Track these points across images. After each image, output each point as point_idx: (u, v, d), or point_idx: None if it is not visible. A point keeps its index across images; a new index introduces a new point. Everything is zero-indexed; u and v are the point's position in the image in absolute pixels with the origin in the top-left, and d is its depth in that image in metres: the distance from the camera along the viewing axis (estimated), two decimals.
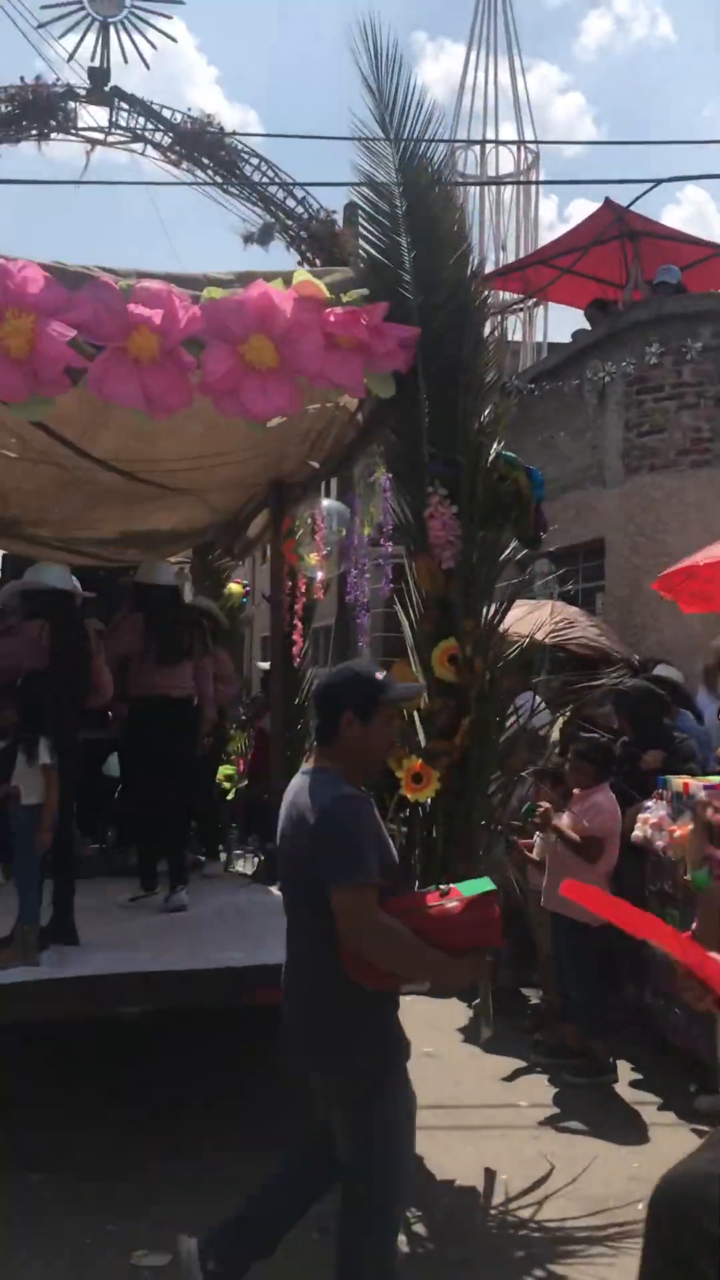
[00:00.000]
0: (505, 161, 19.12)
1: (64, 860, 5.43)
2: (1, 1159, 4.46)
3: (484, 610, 4.71)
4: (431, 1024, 6.30)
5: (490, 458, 4.72)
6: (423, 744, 4.61)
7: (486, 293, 4.90)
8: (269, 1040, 5.80)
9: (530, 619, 7.39)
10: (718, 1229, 0.78)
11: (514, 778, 4.98)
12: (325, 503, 7.11)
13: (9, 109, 10.12)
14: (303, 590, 7.34)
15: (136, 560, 9.15)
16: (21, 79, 10.02)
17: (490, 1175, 4.60)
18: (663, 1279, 0.89)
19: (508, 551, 4.88)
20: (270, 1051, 5.73)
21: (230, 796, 8.68)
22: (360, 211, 5.07)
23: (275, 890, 6.52)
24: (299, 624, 7.38)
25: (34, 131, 10.28)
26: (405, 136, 4.85)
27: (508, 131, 19.20)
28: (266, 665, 9.37)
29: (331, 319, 4.50)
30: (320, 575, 7.01)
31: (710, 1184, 0.85)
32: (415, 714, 4.68)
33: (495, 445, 4.77)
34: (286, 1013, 3.18)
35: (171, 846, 6.48)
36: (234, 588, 10.43)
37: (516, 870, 5.63)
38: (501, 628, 4.86)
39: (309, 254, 9.97)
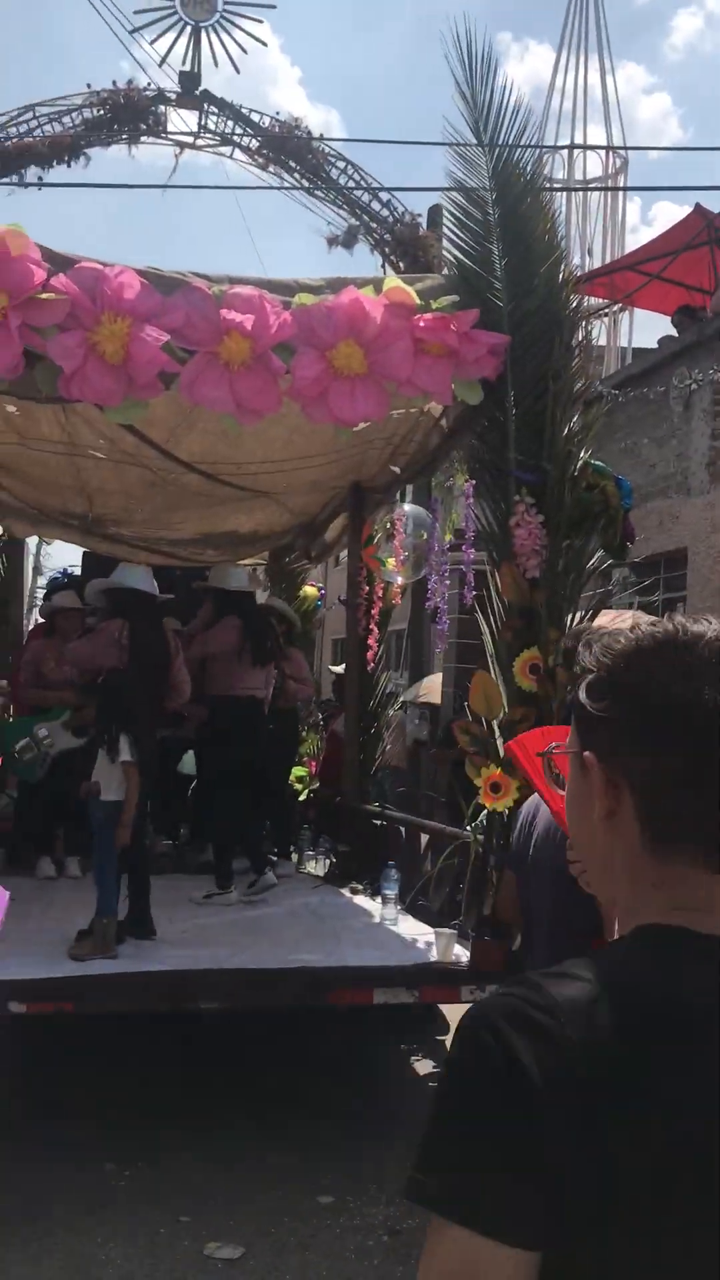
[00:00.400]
0: (593, 164, 19.02)
1: (140, 855, 5.50)
2: (81, 1149, 4.53)
3: (568, 620, 4.68)
4: None
5: (578, 466, 4.70)
6: (502, 753, 4.60)
7: (578, 300, 4.85)
8: (341, 1041, 5.87)
9: (613, 629, 7.31)
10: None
11: None
12: (405, 507, 7.12)
13: (101, 113, 10.35)
14: (379, 594, 7.36)
15: (215, 561, 9.25)
16: (114, 83, 10.25)
17: None
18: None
19: (593, 561, 4.85)
20: (342, 1053, 5.78)
21: (302, 798, 8.72)
22: (450, 218, 5.07)
23: (346, 892, 6.56)
24: (374, 628, 7.39)
25: (125, 135, 10.50)
26: (499, 143, 4.85)
27: (595, 132, 19.11)
28: (338, 669, 9.40)
29: (421, 325, 4.52)
30: (399, 580, 7.01)
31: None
32: (495, 723, 4.67)
33: (584, 453, 4.74)
34: None
35: (251, 840, 6.58)
36: (309, 590, 10.48)
37: None
38: None
39: (393, 256, 10.04)
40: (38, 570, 26.21)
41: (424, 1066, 5.79)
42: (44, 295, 4.15)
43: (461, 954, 4.99)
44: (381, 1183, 4.38)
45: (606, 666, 1.04)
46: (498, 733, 4.68)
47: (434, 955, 4.96)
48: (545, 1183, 0.86)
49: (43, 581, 20.53)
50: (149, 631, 5.77)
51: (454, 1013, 6.52)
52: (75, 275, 4.24)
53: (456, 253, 4.90)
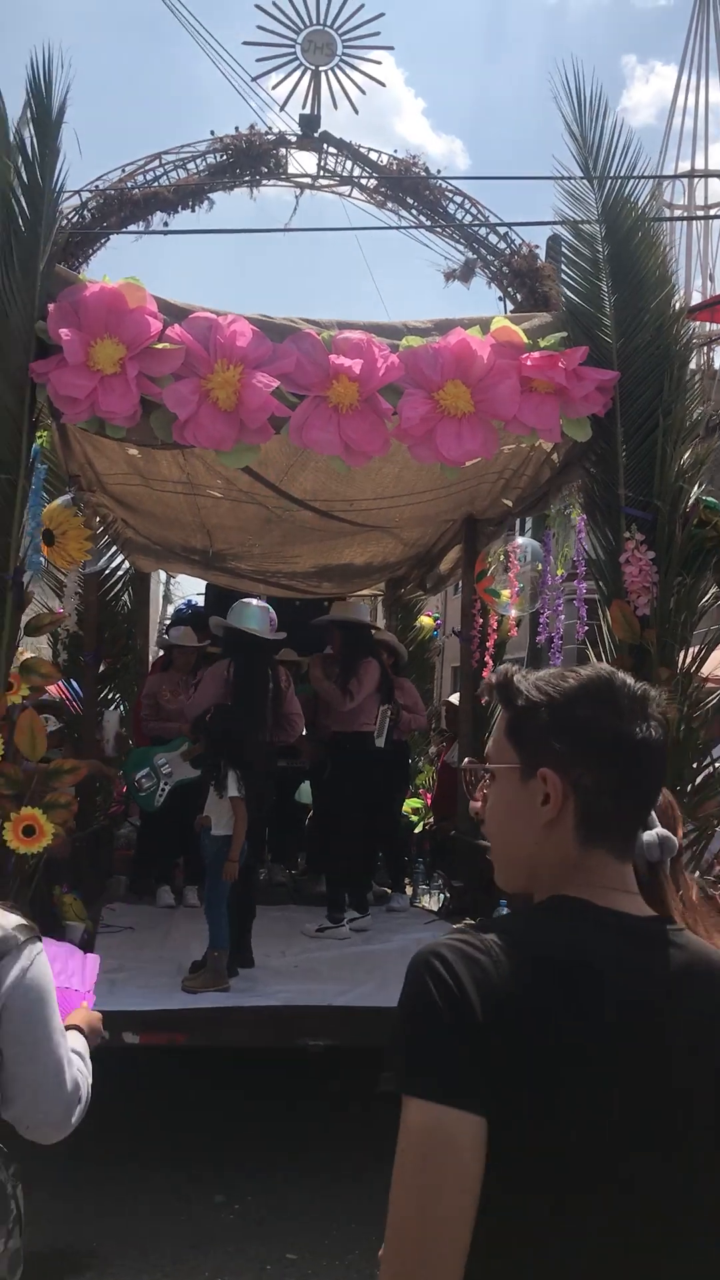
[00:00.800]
0: (715, 188, 18.69)
1: (247, 887, 5.59)
2: (192, 1180, 4.61)
3: (680, 657, 4.60)
4: None
5: (690, 502, 4.62)
6: None
7: (690, 333, 4.78)
8: None
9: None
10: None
11: (707, 829, 4.82)
12: (520, 540, 7.09)
13: (224, 158, 10.64)
14: (494, 626, 7.33)
15: (331, 593, 9.34)
16: (236, 128, 10.53)
17: None
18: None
19: (706, 598, 4.75)
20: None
21: (418, 830, 8.71)
22: (561, 255, 5.06)
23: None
24: (489, 660, 7.36)
25: (247, 178, 10.78)
26: (608, 176, 4.83)
27: (717, 151, 18.76)
28: (453, 698, 9.35)
29: (529, 363, 4.52)
30: (514, 612, 6.97)
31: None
32: None
33: (696, 489, 4.66)
34: None
35: (360, 877, 6.61)
36: (425, 620, 10.50)
37: None
38: (700, 675, 4.74)
39: (510, 289, 10.03)
40: (167, 599, 26.93)
41: None
42: (160, 345, 4.30)
43: None
44: None
45: (560, 703, 1.34)
46: None
47: None
48: (483, 1067, 1.16)
49: (172, 610, 21.11)
50: (256, 669, 5.86)
51: None
52: (190, 325, 4.38)
53: (565, 290, 4.89)
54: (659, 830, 1.44)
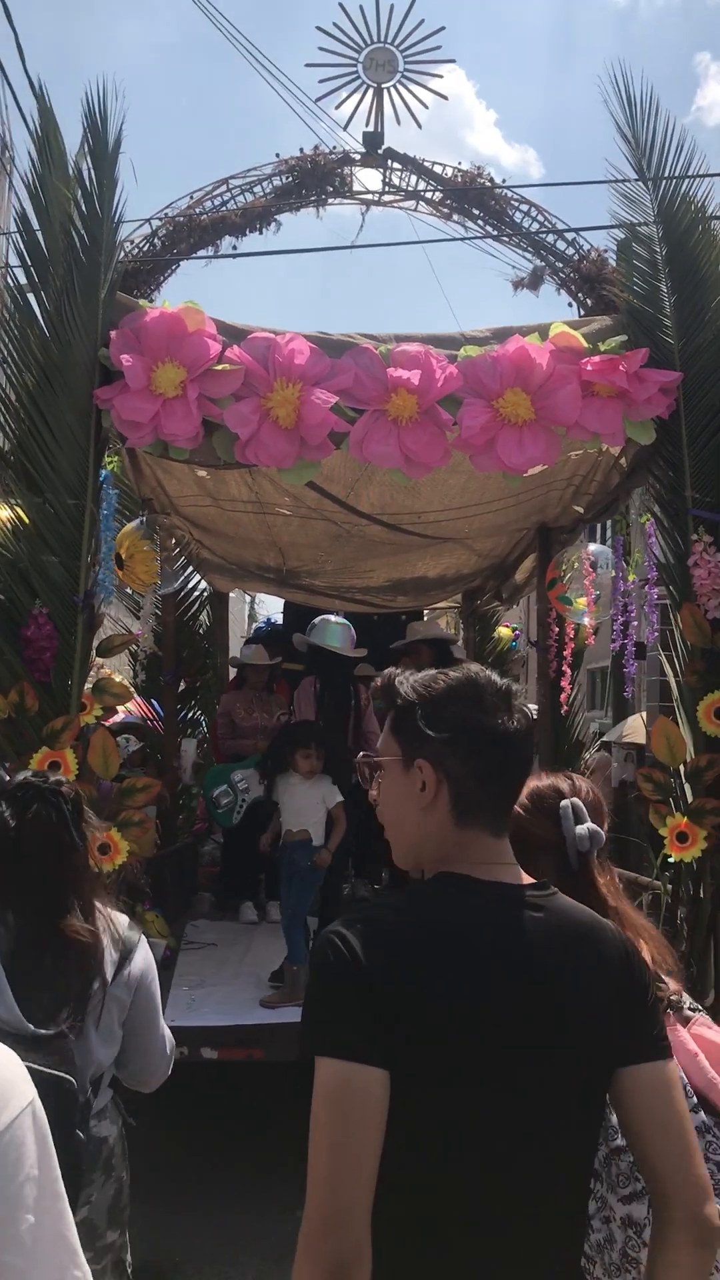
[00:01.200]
0: None
1: (329, 900, 5.59)
2: (274, 1193, 4.62)
3: None
4: None
5: None
6: (689, 800, 4.45)
7: None
8: None
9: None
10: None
11: None
12: (593, 546, 7.01)
13: (290, 179, 10.76)
14: (571, 634, 7.25)
15: (407, 606, 9.35)
16: (301, 150, 10.64)
17: None
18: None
19: None
20: None
21: None
22: (619, 257, 5.01)
23: None
24: (567, 669, 7.28)
25: (313, 198, 10.89)
26: (662, 176, 4.77)
27: None
28: (532, 708, 9.27)
29: (589, 368, 4.48)
30: (588, 620, 6.89)
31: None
32: (681, 769, 4.52)
33: None
34: None
35: None
36: (503, 631, 10.44)
37: None
38: None
39: (580, 294, 9.96)
40: (252, 617, 27.18)
41: None
42: (220, 367, 4.37)
43: None
44: None
45: (432, 701, 1.55)
46: (684, 779, 4.53)
47: None
48: (384, 1025, 1.37)
49: (253, 628, 21.32)
50: (338, 685, 5.90)
51: None
52: (248, 345, 4.44)
53: (623, 292, 4.83)
54: (589, 825, 1.66)
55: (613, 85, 4.69)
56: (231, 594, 10.18)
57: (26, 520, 4.48)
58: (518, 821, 1.72)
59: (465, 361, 4.50)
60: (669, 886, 4.68)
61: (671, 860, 4.40)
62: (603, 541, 7.61)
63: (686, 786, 4.48)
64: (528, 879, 1.55)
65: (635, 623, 6.33)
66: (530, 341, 4.48)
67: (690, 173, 4.67)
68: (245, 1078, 5.28)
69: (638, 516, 5.89)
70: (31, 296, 4.51)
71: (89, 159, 4.50)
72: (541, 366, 4.46)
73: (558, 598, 6.61)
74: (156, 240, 10.08)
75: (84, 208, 4.47)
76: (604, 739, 10.25)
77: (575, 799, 1.97)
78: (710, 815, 4.35)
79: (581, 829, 1.66)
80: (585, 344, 4.55)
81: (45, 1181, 1.17)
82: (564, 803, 1.95)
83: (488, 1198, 1.43)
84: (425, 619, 9.50)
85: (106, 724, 4.69)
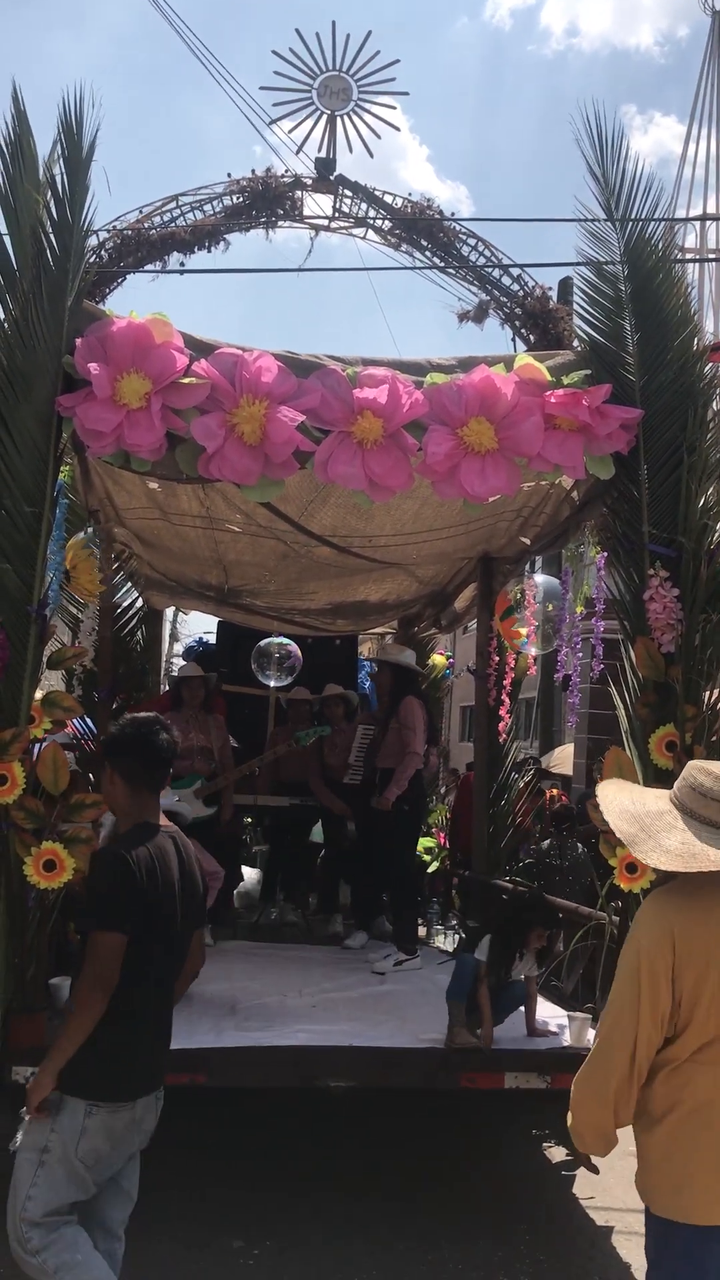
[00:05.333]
0: None
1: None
2: (207, 1224, 4.52)
3: (706, 696, 4.57)
4: None
5: (715, 539, 4.61)
6: None
7: (714, 371, 4.80)
8: (471, 1124, 5.74)
9: None
10: None
11: None
12: (537, 578, 7.09)
13: (241, 200, 10.78)
14: (511, 664, 7.30)
15: (345, 631, 9.35)
16: (253, 171, 10.68)
17: None
18: None
19: None
20: (472, 1137, 5.65)
21: (431, 869, 8.63)
22: (581, 294, 5.08)
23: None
24: (506, 699, 7.33)
25: (263, 220, 10.91)
26: (630, 218, 4.86)
27: None
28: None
29: (553, 401, 4.53)
30: (532, 650, 6.96)
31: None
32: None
33: None
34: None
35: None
36: (438, 659, 10.48)
37: None
38: None
39: (524, 330, 10.12)
40: (174, 637, 26.92)
41: (557, 1154, 5.61)
42: (186, 380, 4.32)
43: (595, 1038, 4.84)
44: (513, 1275, 4.24)
45: (121, 731, 3.29)
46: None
47: (567, 1039, 4.83)
48: (132, 908, 3.02)
49: (179, 649, 21.10)
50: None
51: None
52: (216, 360, 4.40)
53: (588, 328, 4.91)
54: None
55: (584, 123, 4.77)
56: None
57: None
58: None
59: (431, 388, 4.53)
60: (615, 919, 4.72)
61: (623, 890, 4.43)
62: (537, 574, 7.69)
63: None
64: (167, 823, 3.31)
65: (579, 655, 6.41)
66: (496, 372, 4.52)
67: (656, 216, 4.77)
68: (183, 1104, 5.16)
69: (582, 551, 5.98)
70: None
71: (62, 164, 4.43)
72: (506, 397, 4.51)
73: (512, 627, 6.66)
74: (104, 253, 10.01)
75: (55, 214, 4.40)
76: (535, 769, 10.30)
77: None
78: None
79: None
80: (549, 377, 4.61)
81: None
82: None
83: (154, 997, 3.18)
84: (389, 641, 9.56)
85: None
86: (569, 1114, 2.64)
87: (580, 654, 6.28)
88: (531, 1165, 5.56)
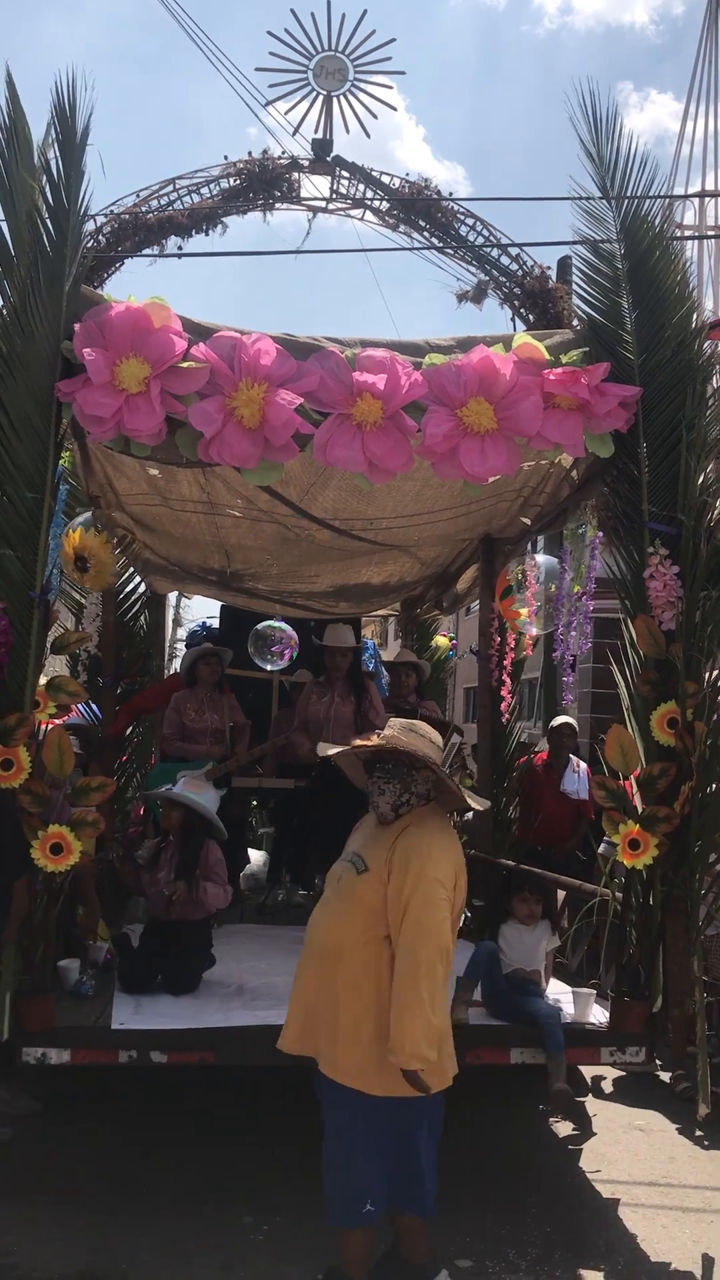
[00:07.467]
0: None
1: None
2: (222, 1201, 4.57)
3: (707, 673, 4.59)
4: (642, 1097, 6.10)
5: (714, 516, 4.62)
6: (640, 809, 4.52)
7: (712, 348, 4.80)
8: (476, 1099, 5.79)
9: None
10: None
11: None
12: (538, 558, 7.09)
13: (238, 182, 10.74)
14: (512, 644, 7.32)
15: (347, 613, 9.36)
16: (249, 153, 10.65)
17: (710, 1263, 4.40)
18: None
19: None
20: (477, 1112, 5.69)
21: None
22: (579, 273, 5.08)
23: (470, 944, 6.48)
24: (508, 679, 7.35)
25: (260, 202, 10.87)
26: (625, 196, 4.85)
27: None
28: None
29: (552, 379, 4.53)
30: (533, 630, 6.97)
31: None
32: (634, 779, 4.59)
33: None
34: None
35: None
36: (440, 640, 10.50)
37: None
38: None
39: (522, 309, 10.09)
40: (177, 622, 26.97)
41: (563, 1128, 5.67)
42: (185, 364, 4.33)
43: (600, 1014, 4.88)
44: (521, 1247, 4.29)
45: None
46: (637, 788, 4.60)
47: (572, 1015, 4.87)
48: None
49: (182, 634, 21.15)
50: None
51: (593, 1074, 6.37)
52: (214, 344, 4.41)
53: (586, 307, 4.91)
54: None
55: (579, 102, 4.76)
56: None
57: None
58: None
59: (430, 369, 4.53)
60: (618, 895, 4.75)
61: (626, 866, 4.46)
62: (539, 554, 7.70)
63: (639, 795, 4.55)
64: None
65: (574, 634, 6.41)
66: (494, 351, 4.52)
67: (652, 193, 4.76)
68: (194, 1082, 5.22)
69: (582, 530, 5.98)
70: None
71: (56, 149, 4.43)
72: (505, 377, 4.51)
73: (511, 608, 6.67)
74: (101, 237, 9.98)
75: (50, 199, 4.40)
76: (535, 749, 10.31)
77: None
78: (662, 823, 4.42)
79: None
80: (548, 356, 4.61)
81: None
82: None
83: None
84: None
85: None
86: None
87: (575, 634, 6.28)
88: (538, 1139, 5.61)
